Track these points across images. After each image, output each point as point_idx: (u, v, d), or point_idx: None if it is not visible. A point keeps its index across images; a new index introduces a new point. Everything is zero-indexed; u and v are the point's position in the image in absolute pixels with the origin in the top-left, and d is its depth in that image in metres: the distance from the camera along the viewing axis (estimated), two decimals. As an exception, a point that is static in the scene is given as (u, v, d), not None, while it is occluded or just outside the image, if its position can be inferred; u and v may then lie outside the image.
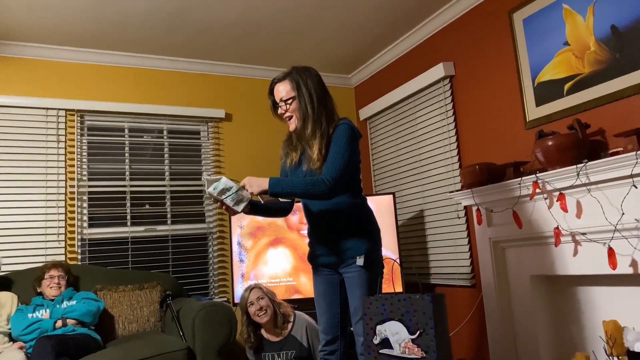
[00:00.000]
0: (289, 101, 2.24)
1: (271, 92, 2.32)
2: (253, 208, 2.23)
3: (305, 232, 3.77)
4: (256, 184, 2.11)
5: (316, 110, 2.22)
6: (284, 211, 2.43)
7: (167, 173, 4.20)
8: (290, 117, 2.27)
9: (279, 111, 2.29)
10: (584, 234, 2.53)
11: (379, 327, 2.01)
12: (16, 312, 3.05)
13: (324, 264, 2.34)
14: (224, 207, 2.14)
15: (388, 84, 4.40)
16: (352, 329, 2.31)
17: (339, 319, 2.34)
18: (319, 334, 2.39)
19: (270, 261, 3.85)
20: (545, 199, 2.71)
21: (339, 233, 2.25)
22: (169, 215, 4.15)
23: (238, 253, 3.89)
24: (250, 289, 3.25)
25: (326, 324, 2.35)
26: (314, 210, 2.31)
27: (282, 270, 3.82)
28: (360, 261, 2.20)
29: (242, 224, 3.89)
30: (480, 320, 3.36)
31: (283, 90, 2.26)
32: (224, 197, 2.09)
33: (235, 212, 2.14)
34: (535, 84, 3.01)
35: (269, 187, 2.10)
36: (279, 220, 3.86)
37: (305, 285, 3.77)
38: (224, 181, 2.10)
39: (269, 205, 2.36)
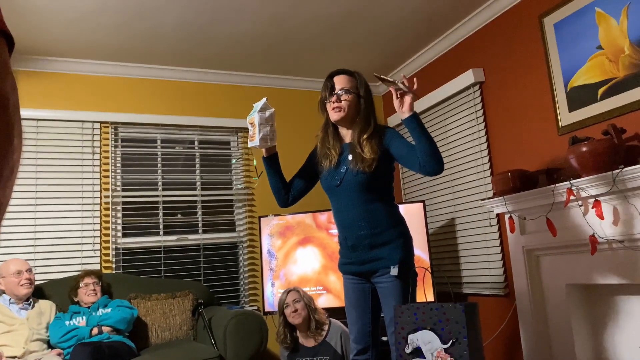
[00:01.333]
0: (349, 93, 2.31)
1: (331, 77, 2.37)
2: (271, 159, 2.39)
3: (333, 231, 3.79)
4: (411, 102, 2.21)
5: (374, 117, 2.34)
6: (282, 189, 2.50)
7: (198, 183, 4.27)
8: (340, 109, 2.30)
9: (334, 98, 2.31)
10: (621, 241, 2.48)
11: (410, 336, 2.00)
12: (54, 320, 3.14)
13: (356, 272, 2.33)
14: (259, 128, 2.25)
15: (417, 91, 4.38)
16: (385, 338, 2.30)
17: (370, 328, 2.33)
18: (351, 343, 2.38)
19: (300, 260, 3.88)
20: (580, 206, 2.66)
21: (374, 241, 2.24)
22: (200, 225, 4.21)
23: (268, 262, 3.92)
24: (288, 291, 3.30)
25: (358, 333, 2.34)
26: (348, 218, 2.29)
27: (311, 269, 3.85)
28: (394, 271, 2.18)
29: (271, 231, 3.94)
30: (514, 330, 3.31)
31: (347, 82, 2.34)
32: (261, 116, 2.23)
33: (260, 134, 2.24)
34: (568, 89, 2.97)
35: (414, 113, 2.20)
36: (308, 220, 3.90)
37: (336, 290, 3.77)
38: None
39: (279, 168, 2.46)
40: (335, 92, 2.31)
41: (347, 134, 2.38)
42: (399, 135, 2.30)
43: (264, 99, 2.26)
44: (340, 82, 2.33)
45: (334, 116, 2.32)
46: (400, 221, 2.31)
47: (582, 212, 2.65)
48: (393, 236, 2.24)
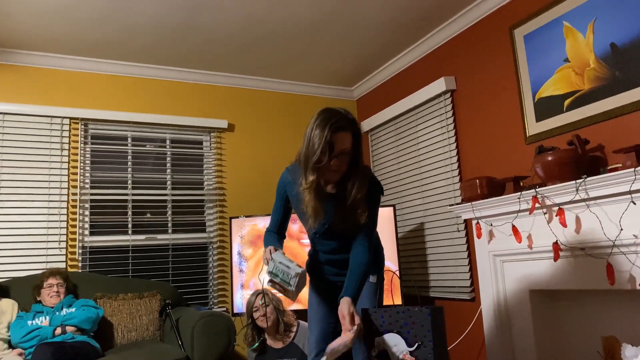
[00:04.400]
0: (348, 153, 2.02)
1: (330, 131, 1.94)
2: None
3: (305, 240, 3.77)
4: (350, 308, 1.95)
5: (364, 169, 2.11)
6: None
7: (169, 182, 4.22)
8: (339, 172, 2.04)
9: (334, 162, 1.98)
10: (582, 249, 2.54)
11: (377, 339, 2.02)
12: (16, 319, 3.06)
13: (333, 281, 2.34)
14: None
15: (390, 97, 4.44)
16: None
17: (332, 329, 2.34)
18: (311, 343, 2.38)
19: None
20: (545, 213, 2.72)
21: None
22: (169, 224, 4.16)
23: (238, 263, 3.90)
24: (257, 294, 3.29)
25: (320, 332, 2.34)
26: (333, 250, 2.26)
27: (281, 279, 3.82)
28: (373, 279, 2.26)
29: (242, 232, 3.91)
30: (479, 334, 3.36)
31: (348, 140, 2.00)
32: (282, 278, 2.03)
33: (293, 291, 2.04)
34: (536, 100, 3.04)
35: (355, 299, 2.00)
36: (279, 229, 3.87)
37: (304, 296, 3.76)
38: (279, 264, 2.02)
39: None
40: (335, 154, 1.97)
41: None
42: (375, 202, 2.15)
43: (304, 270, 2.00)
44: (342, 142, 1.97)
45: (332, 178, 2.07)
46: (377, 237, 2.32)
47: (547, 219, 2.71)
48: (375, 248, 2.28)
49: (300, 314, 3.49)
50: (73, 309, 3.15)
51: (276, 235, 2.31)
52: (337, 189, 2.11)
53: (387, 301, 3.55)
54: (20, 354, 2.88)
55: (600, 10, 2.67)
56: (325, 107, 2.07)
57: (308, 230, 2.27)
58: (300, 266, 2.02)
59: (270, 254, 2.10)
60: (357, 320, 1.94)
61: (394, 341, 1.97)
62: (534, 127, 3.05)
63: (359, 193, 2.04)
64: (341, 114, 2.01)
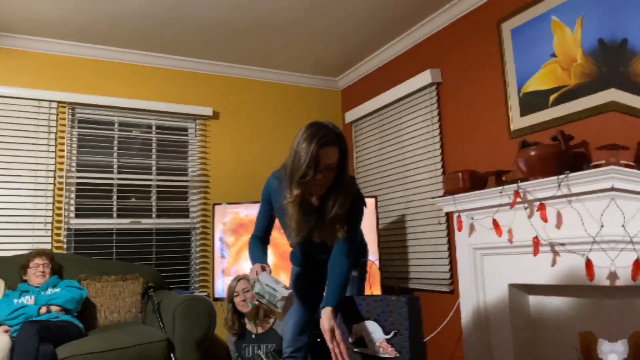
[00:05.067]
0: (334, 168, 1.98)
1: (317, 146, 1.90)
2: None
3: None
4: (331, 322, 1.91)
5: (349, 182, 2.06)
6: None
7: (154, 168, 4.18)
8: (324, 186, 2.00)
9: (319, 177, 1.94)
10: (562, 244, 2.52)
11: (354, 327, 2.00)
12: (2, 297, 3.08)
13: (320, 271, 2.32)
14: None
15: (375, 88, 4.39)
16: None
17: (308, 319, 2.32)
18: (287, 330, 2.35)
19: None
20: (526, 208, 2.70)
21: None
22: (154, 209, 4.13)
23: (220, 249, 3.86)
24: (238, 279, 3.26)
25: (295, 322, 2.32)
26: (313, 257, 2.29)
27: (262, 267, 3.80)
28: (355, 272, 2.26)
29: (225, 219, 3.87)
30: (456, 326, 3.35)
31: (335, 155, 1.96)
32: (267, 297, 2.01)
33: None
34: (521, 94, 3.01)
35: (336, 309, 1.96)
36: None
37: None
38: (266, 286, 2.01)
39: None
40: (321, 169, 1.93)
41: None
42: (357, 216, 2.14)
43: (291, 293, 1.99)
44: (328, 157, 1.93)
45: (317, 192, 2.03)
46: (360, 232, 2.29)
47: (528, 214, 2.69)
48: (360, 245, 2.29)
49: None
50: (58, 289, 3.16)
51: (261, 244, 2.28)
52: (321, 202, 2.07)
53: (366, 292, 3.54)
54: (6, 331, 2.87)
55: (589, 6, 2.63)
56: (313, 120, 2.03)
57: (291, 243, 2.23)
58: (286, 288, 1.99)
59: (257, 274, 2.07)
60: (337, 336, 1.88)
61: (371, 329, 1.95)
62: (518, 121, 3.02)
63: (340, 209, 2.01)
64: (329, 129, 1.96)
